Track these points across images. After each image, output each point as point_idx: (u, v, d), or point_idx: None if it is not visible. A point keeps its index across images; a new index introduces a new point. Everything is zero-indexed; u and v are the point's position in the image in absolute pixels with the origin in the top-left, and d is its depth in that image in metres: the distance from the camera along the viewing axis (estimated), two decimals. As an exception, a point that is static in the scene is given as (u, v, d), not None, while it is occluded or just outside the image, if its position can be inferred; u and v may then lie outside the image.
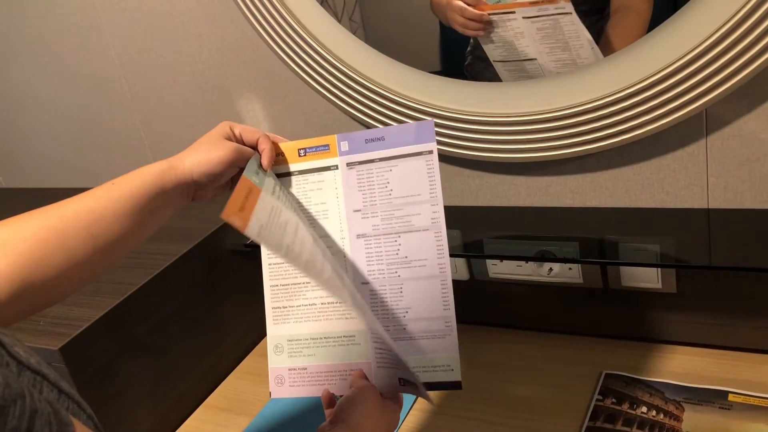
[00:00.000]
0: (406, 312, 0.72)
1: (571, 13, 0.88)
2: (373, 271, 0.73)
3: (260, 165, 0.70)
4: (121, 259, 0.69)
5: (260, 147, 0.72)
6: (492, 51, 0.97)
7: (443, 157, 1.05)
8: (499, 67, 0.97)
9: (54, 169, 1.59)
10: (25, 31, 1.42)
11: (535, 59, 0.94)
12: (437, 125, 1.02)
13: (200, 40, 1.21)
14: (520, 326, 1.13)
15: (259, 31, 1.10)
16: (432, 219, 0.71)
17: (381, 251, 0.72)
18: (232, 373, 1.19)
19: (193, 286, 1.13)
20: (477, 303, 1.15)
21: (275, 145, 0.74)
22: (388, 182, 0.72)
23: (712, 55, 0.81)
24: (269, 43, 1.10)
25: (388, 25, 1.06)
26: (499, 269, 1.10)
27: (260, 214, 0.63)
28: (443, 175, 1.06)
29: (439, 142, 1.02)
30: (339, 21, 1.05)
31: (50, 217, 0.64)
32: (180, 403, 1.11)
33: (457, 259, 1.11)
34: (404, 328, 0.72)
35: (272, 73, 1.17)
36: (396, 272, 0.72)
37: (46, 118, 1.52)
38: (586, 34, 0.89)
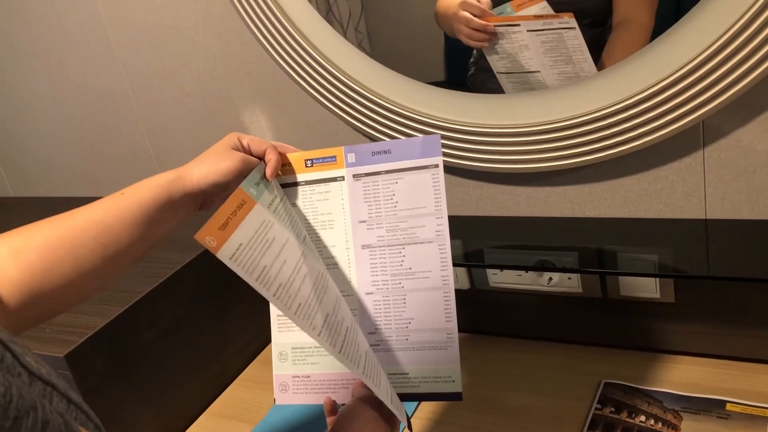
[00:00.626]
0: (409, 323, 0.73)
1: (574, 28, 0.89)
2: (377, 281, 0.74)
3: (263, 176, 0.72)
4: (128, 268, 0.70)
5: (267, 158, 0.73)
6: (496, 62, 0.98)
7: (445, 168, 1.05)
8: (502, 79, 0.99)
9: (61, 179, 1.61)
10: (33, 44, 1.44)
11: (539, 72, 0.95)
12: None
13: (206, 52, 1.23)
14: (519, 335, 1.14)
15: (263, 43, 1.12)
16: (437, 231, 0.72)
17: (385, 262, 0.73)
18: (236, 381, 1.20)
19: (197, 295, 1.14)
20: (477, 312, 1.16)
21: (282, 156, 0.75)
22: (394, 194, 0.73)
23: (709, 67, 0.82)
24: (273, 56, 1.12)
25: (393, 35, 1.08)
26: (500, 278, 1.11)
27: (246, 229, 0.63)
28: (445, 184, 1.08)
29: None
30: (345, 31, 1.06)
31: (60, 226, 0.65)
32: (183, 410, 1.12)
33: (458, 268, 1.12)
34: (406, 339, 0.73)
35: (276, 85, 1.19)
36: (400, 283, 0.73)
37: (54, 129, 1.54)
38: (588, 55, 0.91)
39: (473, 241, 1.10)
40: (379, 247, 0.74)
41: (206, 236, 0.59)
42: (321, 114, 1.15)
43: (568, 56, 0.92)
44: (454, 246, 1.07)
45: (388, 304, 0.73)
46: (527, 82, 0.97)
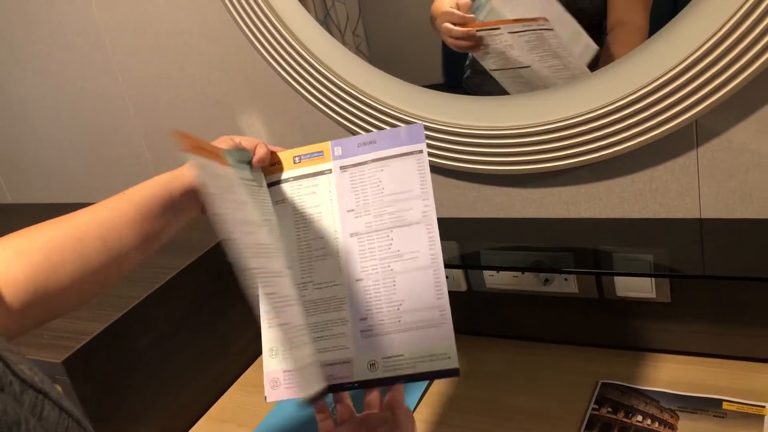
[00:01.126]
0: (401, 304, 0.72)
1: (552, 30, 0.90)
2: (366, 267, 0.74)
3: (249, 162, 0.73)
4: (132, 269, 0.71)
5: (256, 149, 0.75)
6: (487, 62, 0.98)
7: (441, 170, 1.06)
8: (497, 76, 0.99)
9: (59, 184, 1.61)
10: (32, 50, 1.44)
11: (530, 66, 0.96)
12: (435, 138, 1.03)
13: (201, 57, 1.24)
14: (516, 336, 1.14)
15: (258, 48, 1.13)
16: (423, 212, 0.73)
17: (374, 247, 0.74)
18: (234, 385, 1.21)
19: (195, 299, 1.14)
20: (474, 313, 1.16)
21: (273, 155, 0.77)
22: (380, 181, 0.74)
23: (701, 66, 0.83)
24: (268, 60, 1.13)
25: (391, 38, 1.08)
26: (496, 280, 1.11)
27: (212, 172, 0.65)
28: (441, 187, 1.09)
29: (436, 155, 1.04)
30: (343, 35, 1.07)
31: (64, 227, 0.66)
32: (182, 415, 1.12)
33: (454, 270, 1.12)
34: (399, 321, 0.72)
35: (272, 90, 1.19)
36: (389, 266, 0.73)
37: (52, 135, 1.55)
38: (577, 47, 0.91)
39: (469, 242, 1.10)
40: (367, 233, 0.74)
41: (181, 137, 0.63)
42: (317, 118, 1.15)
43: (554, 52, 0.93)
44: (451, 248, 1.08)
45: (378, 288, 0.73)
46: (521, 76, 0.97)
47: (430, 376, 0.72)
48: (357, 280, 0.74)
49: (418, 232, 0.73)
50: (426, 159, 0.73)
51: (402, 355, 0.72)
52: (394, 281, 0.73)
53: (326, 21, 1.07)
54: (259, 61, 1.15)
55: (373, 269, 0.74)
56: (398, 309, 0.73)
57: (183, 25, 1.22)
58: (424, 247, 0.72)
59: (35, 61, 1.45)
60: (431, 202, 0.73)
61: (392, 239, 0.73)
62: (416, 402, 1.04)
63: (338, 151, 0.76)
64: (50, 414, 0.43)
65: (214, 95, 1.27)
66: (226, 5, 1.12)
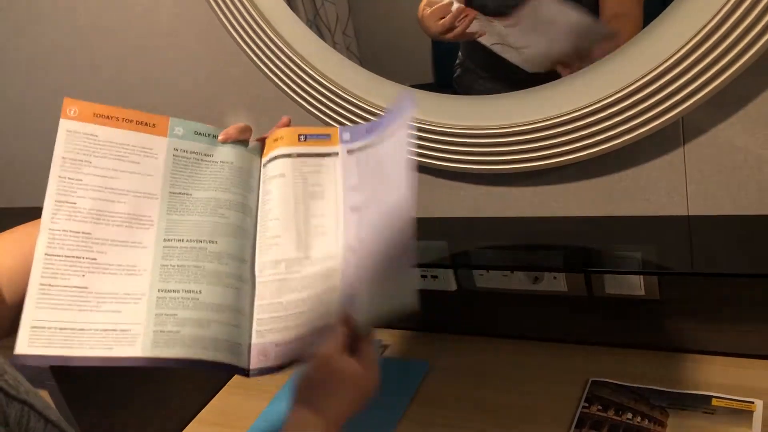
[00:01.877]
0: (378, 257, 0.69)
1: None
2: (363, 238, 0.73)
3: (214, 136, 0.74)
4: None
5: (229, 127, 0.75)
6: (486, 40, 0.97)
7: (430, 170, 1.06)
8: (497, 49, 0.97)
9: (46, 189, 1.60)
10: (18, 54, 1.44)
11: (529, 47, 0.95)
12: (424, 138, 1.03)
13: (189, 59, 1.23)
14: (506, 335, 1.14)
15: (244, 49, 1.12)
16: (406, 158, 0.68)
17: (372, 218, 0.72)
18: (224, 388, 1.20)
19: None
20: (464, 313, 1.16)
21: (274, 131, 0.77)
22: (378, 153, 0.75)
23: (687, 63, 0.83)
24: (255, 61, 1.12)
25: (381, 38, 1.08)
26: (486, 279, 1.11)
27: (96, 138, 0.69)
28: (429, 186, 1.09)
29: (426, 155, 1.04)
30: (333, 35, 1.07)
31: None
32: (172, 418, 1.12)
33: (444, 269, 1.12)
34: (377, 279, 0.69)
35: (260, 90, 1.19)
36: (379, 231, 0.71)
37: (41, 139, 1.54)
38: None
39: (459, 242, 1.10)
40: (365, 207, 0.74)
41: (75, 106, 0.68)
42: (305, 119, 1.15)
43: (550, 21, 0.92)
44: (441, 248, 1.08)
45: (367, 252, 0.72)
46: (521, 54, 0.96)
47: (394, 316, 0.67)
48: (350, 250, 0.73)
49: (398, 177, 0.68)
50: (410, 128, 0.69)
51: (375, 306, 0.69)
52: (378, 240, 0.70)
53: (316, 21, 1.07)
54: (245, 62, 1.15)
55: (367, 237, 0.72)
56: (377, 267, 0.69)
57: (169, 27, 1.22)
58: (403, 188, 0.66)
59: (20, 65, 1.45)
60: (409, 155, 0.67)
61: (384, 203, 0.70)
62: (407, 402, 1.04)
63: (347, 136, 0.77)
64: (36, 426, 0.43)
65: (201, 96, 1.26)
66: (211, 6, 1.12)
